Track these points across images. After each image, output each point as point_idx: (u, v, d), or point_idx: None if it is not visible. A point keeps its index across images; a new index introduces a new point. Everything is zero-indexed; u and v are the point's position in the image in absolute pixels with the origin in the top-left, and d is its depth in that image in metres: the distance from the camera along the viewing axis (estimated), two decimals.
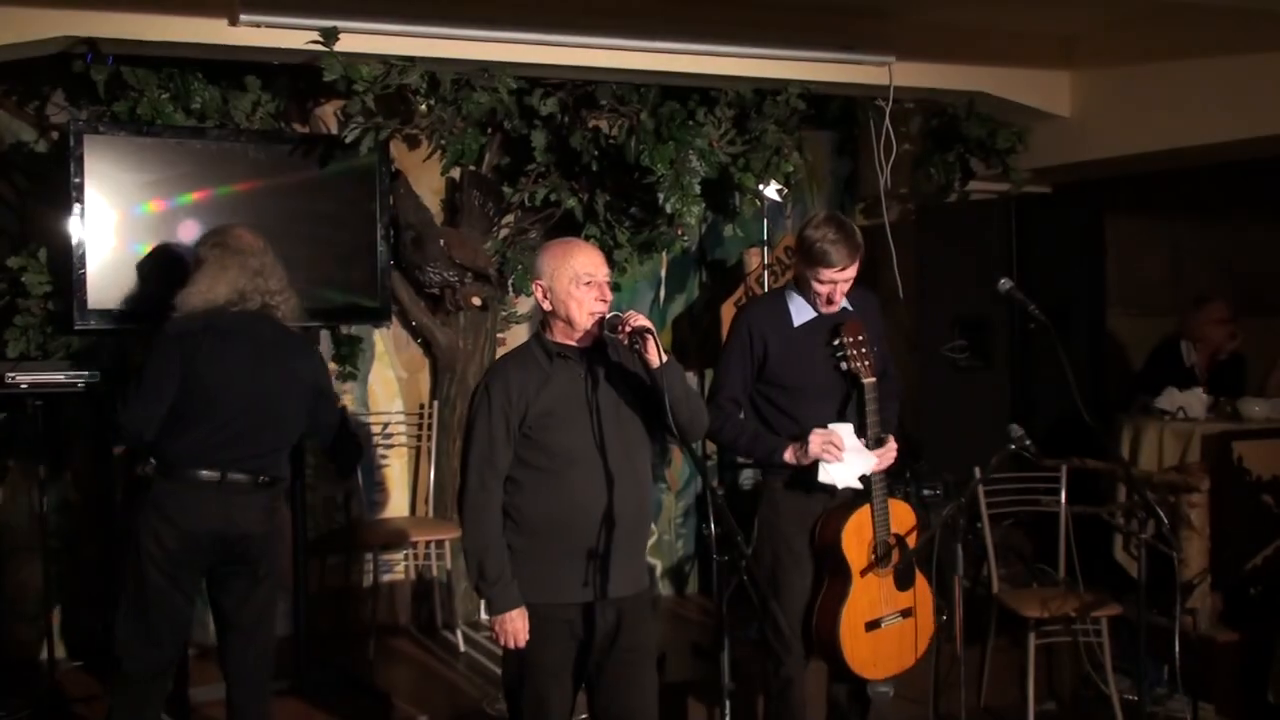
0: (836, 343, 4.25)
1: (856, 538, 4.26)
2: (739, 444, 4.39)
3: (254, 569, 4.25)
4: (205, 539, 4.13)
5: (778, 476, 4.36)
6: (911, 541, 4.39)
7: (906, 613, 4.40)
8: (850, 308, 4.37)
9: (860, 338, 4.24)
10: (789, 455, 4.24)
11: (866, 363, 4.23)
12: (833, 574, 4.30)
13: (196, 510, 4.10)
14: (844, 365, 4.23)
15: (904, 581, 4.39)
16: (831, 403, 4.32)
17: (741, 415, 4.40)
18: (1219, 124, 5.83)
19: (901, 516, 4.38)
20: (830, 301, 4.29)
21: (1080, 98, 6.56)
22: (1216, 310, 6.64)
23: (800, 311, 4.35)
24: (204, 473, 4.11)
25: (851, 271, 4.23)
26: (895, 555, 4.33)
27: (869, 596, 4.29)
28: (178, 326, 4.13)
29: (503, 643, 3.58)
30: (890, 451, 4.28)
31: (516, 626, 3.55)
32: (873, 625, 4.31)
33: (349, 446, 4.76)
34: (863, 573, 4.27)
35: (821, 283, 4.24)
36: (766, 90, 6.07)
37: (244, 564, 4.23)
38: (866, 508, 4.26)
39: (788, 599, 4.32)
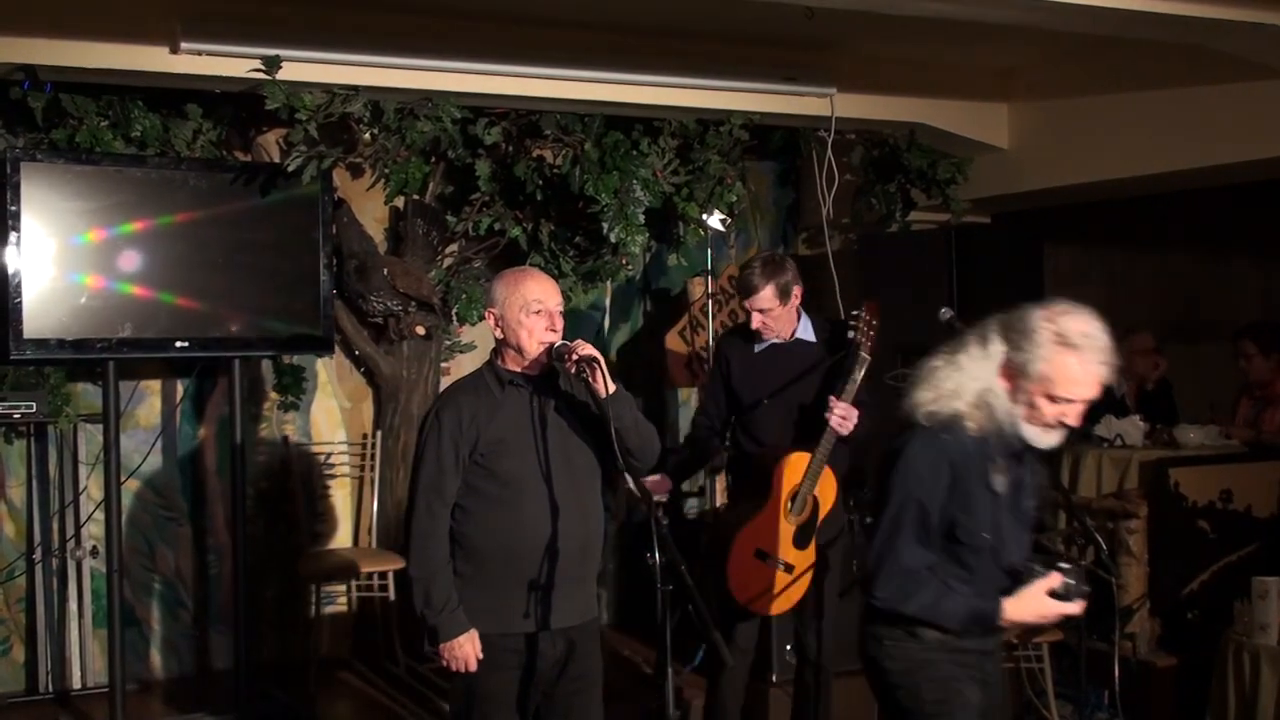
0: (855, 313, 4.55)
1: (789, 473, 4.52)
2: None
3: None
4: None
5: None
6: (822, 513, 4.61)
7: (789, 568, 4.57)
8: (813, 339, 4.73)
9: (875, 322, 4.51)
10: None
11: (868, 342, 4.49)
12: (756, 494, 4.59)
13: None
14: (850, 334, 4.52)
15: (800, 540, 4.58)
16: (786, 420, 4.65)
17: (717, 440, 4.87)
18: (1154, 155, 5.94)
19: (826, 488, 4.59)
20: (766, 328, 4.67)
21: (1018, 130, 6.66)
22: (1141, 341, 6.72)
23: (762, 342, 4.75)
24: None
25: (768, 302, 4.61)
26: (806, 513, 4.55)
27: (770, 530, 4.51)
28: None
29: (453, 669, 3.55)
30: (851, 419, 4.50)
31: (466, 652, 3.52)
32: (760, 556, 4.52)
33: None
34: (784, 509, 4.54)
35: (748, 313, 4.67)
36: (709, 121, 6.12)
37: None
38: (808, 455, 4.49)
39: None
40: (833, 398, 4.48)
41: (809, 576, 4.63)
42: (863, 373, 4.50)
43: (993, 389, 3.07)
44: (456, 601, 3.53)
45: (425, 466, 3.56)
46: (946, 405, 3.10)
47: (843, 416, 4.47)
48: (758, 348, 4.75)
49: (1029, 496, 3.25)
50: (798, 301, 4.71)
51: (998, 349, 3.08)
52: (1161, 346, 6.72)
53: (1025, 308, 3.09)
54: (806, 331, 4.74)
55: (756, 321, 4.66)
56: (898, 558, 3.12)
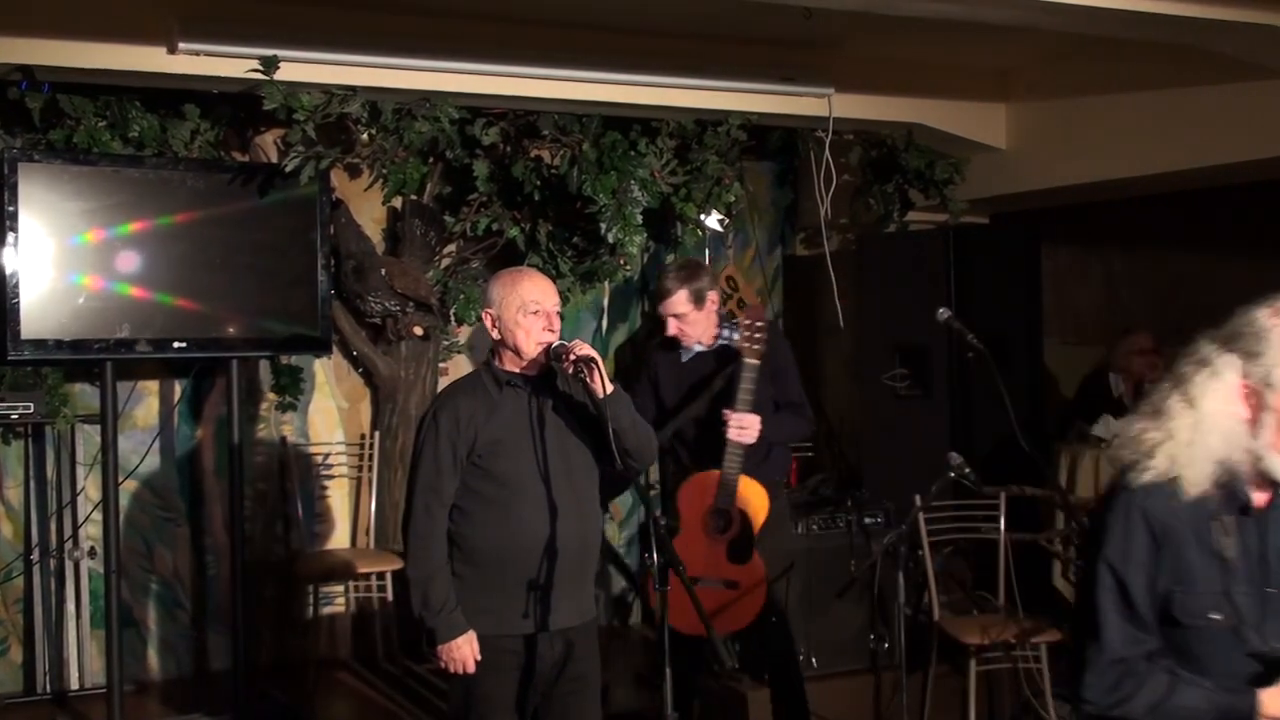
0: (733, 321, 4.60)
1: (694, 496, 4.53)
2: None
3: None
4: None
5: None
6: (757, 523, 4.57)
7: (731, 584, 4.53)
8: (729, 344, 4.69)
9: (759, 324, 4.48)
10: None
11: (754, 346, 4.47)
12: (671, 520, 4.58)
13: None
14: (734, 343, 4.54)
15: (737, 555, 4.54)
16: (713, 430, 4.62)
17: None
18: (1152, 156, 5.94)
19: (754, 499, 4.56)
20: (683, 334, 4.69)
21: (1016, 130, 6.66)
22: (1140, 341, 6.71)
23: (688, 350, 4.77)
24: None
25: (681, 307, 4.62)
26: (734, 528, 4.53)
27: (691, 552, 4.44)
28: None
29: (451, 670, 3.55)
30: (751, 429, 4.48)
31: (464, 653, 3.52)
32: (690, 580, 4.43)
33: None
34: (703, 530, 4.51)
35: (662, 315, 4.69)
36: (707, 121, 6.12)
37: None
38: (716, 474, 4.48)
39: None
40: (726, 411, 4.48)
41: (760, 589, 4.61)
42: (751, 378, 4.48)
43: (1236, 424, 2.42)
44: (454, 603, 3.52)
45: (423, 467, 3.56)
46: (1177, 460, 2.43)
47: (741, 427, 4.47)
48: (684, 357, 4.76)
49: None
50: (714, 307, 4.70)
51: (1228, 366, 2.45)
52: (1161, 347, 6.71)
53: (1239, 314, 2.50)
54: (733, 338, 4.72)
55: (672, 327, 4.67)
56: (1102, 646, 2.45)
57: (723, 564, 4.51)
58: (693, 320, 4.65)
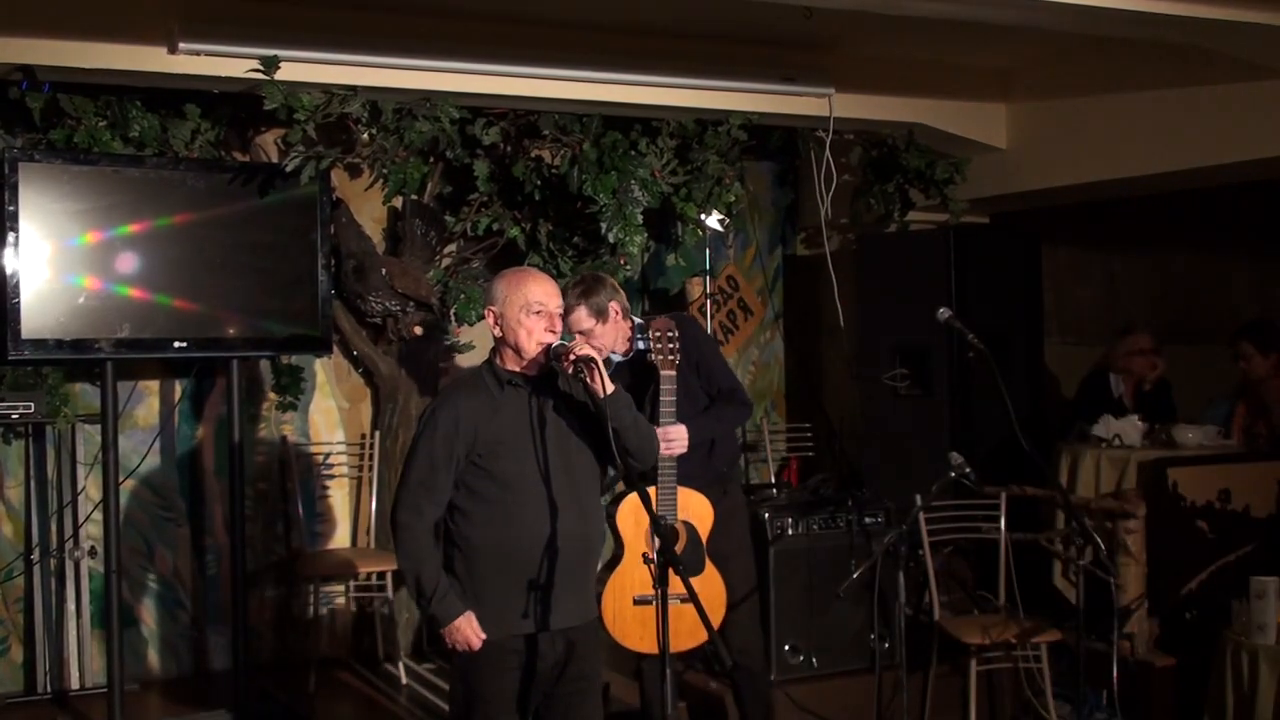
0: (644, 336, 4.61)
1: (631, 517, 4.47)
2: None
3: None
4: None
5: None
6: (704, 530, 4.56)
7: (688, 598, 4.46)
8: (644, 347, 4.67)
9: (669, 334, 4.49)
10: None
11: (668, 357, 4.48)
12: (616, 546, 4.54)
13: None
14: (649, 357, 4.53)
15: (689, 568, 4.41)
16: None
17: None
18: (1152, 156, 5.94)
19: (696, 507, 4.56)
20: (593, 346, 4.59)
21: (1016, 130, 6.66)
22: (1139, 341, 6.71)
23: (608, 364, 4.64)
24: None
25: (585, 323, 4.54)
26: (681, 541, 4.49)
27: (641, 573, 4.35)
28: None
29: (459, 649, 3.55)
30: (678, 440, 4.49)
31: (466, 633, 3.52)
32: (642, 601, 4.41)
33: None
34: (646, 547, 4.42)
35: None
36: (708, 121, 6.12)
37: None
38: (651, 490, 4.42)
39: None
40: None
41: (719, 598, 4.60)
42: (670, 389, 4.48)
43: None
44: (447, 585, 3.53)
45: (417, 462, 3.56)
46: None
47: (668, 440, 4.44)
48: (607, 370, 4.74)
49: None
50: (619, 317, 4.64)
51: None
52: (1160, 347, 6.72)
53: None
54: (646, 343, 4.69)
55: (589, 342, 4.54)
56: None
57: (673, 580, 4.47)
58: (599, 334, 4.58)
